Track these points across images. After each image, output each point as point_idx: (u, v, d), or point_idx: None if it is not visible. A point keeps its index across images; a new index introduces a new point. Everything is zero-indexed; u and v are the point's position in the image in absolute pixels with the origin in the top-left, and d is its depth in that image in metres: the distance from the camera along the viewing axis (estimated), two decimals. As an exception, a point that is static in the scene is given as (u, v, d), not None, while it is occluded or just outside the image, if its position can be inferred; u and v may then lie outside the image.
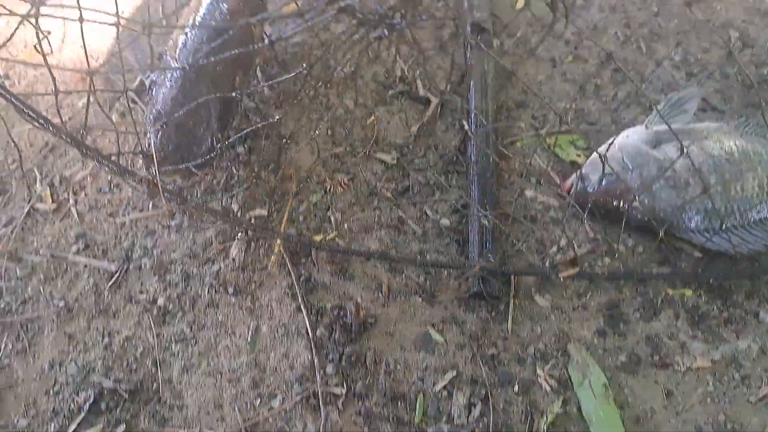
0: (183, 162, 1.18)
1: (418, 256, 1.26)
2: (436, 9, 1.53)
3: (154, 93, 1.28)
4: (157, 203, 1.27)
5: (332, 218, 1.30)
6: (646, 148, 1.31)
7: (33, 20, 0.72)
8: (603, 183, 1.28)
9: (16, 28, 0.78)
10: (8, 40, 0.80)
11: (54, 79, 0.82)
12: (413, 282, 1.23)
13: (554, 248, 1.29)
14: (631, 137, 1.34)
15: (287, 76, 1.06)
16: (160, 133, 1.19)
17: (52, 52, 1.51)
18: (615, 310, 1.22)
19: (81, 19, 0.76)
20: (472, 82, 1.50)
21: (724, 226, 1.25)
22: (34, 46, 0.76)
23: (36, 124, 0.87)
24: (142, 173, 1.28)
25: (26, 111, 0.84)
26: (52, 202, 1.28)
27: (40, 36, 0.75)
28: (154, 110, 1.23)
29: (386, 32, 0.82)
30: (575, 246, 1.28)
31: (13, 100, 0.84)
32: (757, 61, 1.65)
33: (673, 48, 1.66)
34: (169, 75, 1.26)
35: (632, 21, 1.72)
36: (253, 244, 1.25)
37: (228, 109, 1.30)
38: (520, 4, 1.78)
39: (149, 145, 1.16)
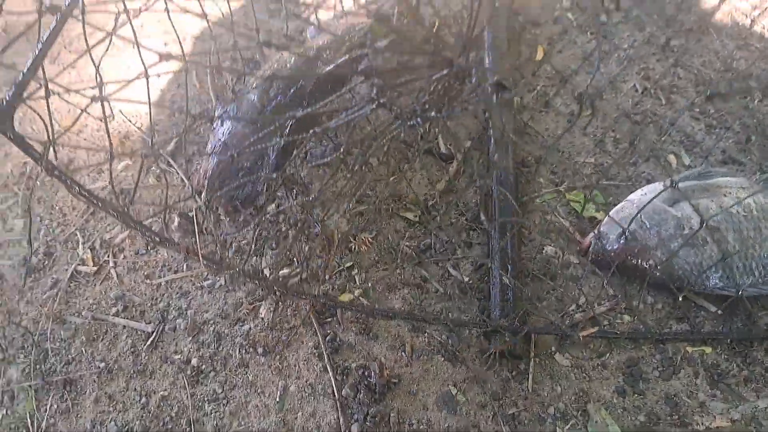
0: (237, 195, 1.28)
1: (441, 315, 1.30)
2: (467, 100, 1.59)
3: (217, 126, 1.38)
4: (192, 264, 1.34)
5: (357, 277, 1.35)
6: (663, 207, 1.33)
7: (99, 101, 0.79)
8: (621, 242, 1.31)
9: (82, 112, 0.85)
10: (73, 124, 0.87)
11: (111, 157, 0.88)
12: (436, 341, 1.27)
13: (574, 306, 1.32)
14: (649, 195, 1.37)
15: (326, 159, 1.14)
16: (220, 164, 1.28)
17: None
18: (634, 369, 1.24)
19: (149, 104, 0.83)
20: (492, 140, 1.54)
21: (742, 283, 1.27)
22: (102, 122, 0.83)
23: (82, 198, 0.93)
24: (179, 234, 1.36)
25: (77, 188, 0.90)
26: (93, 264, 1.36)
27: (107, 116, 0.82)
28: (217, 142, 1.32)
29: (420, 121, 0.87)
30: (595, 305, 1.31)
31: (67, 181, 0.90)
32: (777, 111, 1.66)
33: (692, 99, 1.69)
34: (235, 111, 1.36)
35: (651, 73, 1.75)
36: (281, 303, 1.30)
37: (285, 155, 1.38)
38: (540, 55, 1.82)
39: (206, 173, 1.26)
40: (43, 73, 0.83)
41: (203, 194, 1.32)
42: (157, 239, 1.08)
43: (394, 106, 0.97)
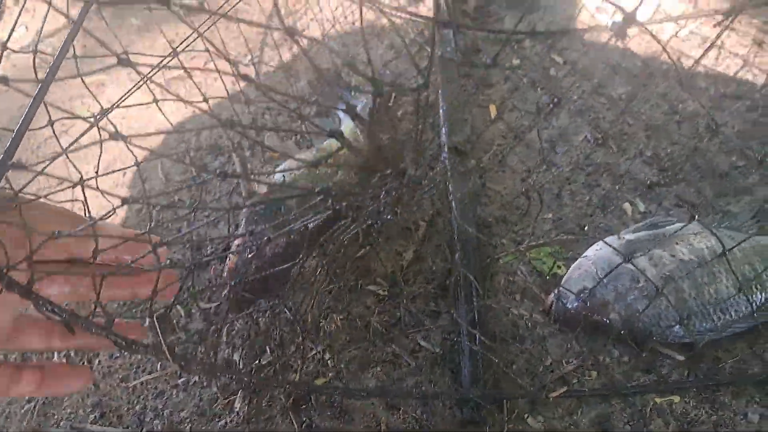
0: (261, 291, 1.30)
1: (412, 390, 1.32)
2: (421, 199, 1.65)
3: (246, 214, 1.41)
4: (165, 363, 1.37)
5: (329, 361, 1.38)
6: (617, 260, 1.37)
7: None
8: (580, 299, 1.34)
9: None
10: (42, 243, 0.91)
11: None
12: (410, 417, 1.29)
13: (542, 367, 1.34)
14: (604, 249, 1.41)
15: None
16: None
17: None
18: (606, 425, 1.26)
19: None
20: (453, 207, 1.59)
21: (701, 329, 1.30)
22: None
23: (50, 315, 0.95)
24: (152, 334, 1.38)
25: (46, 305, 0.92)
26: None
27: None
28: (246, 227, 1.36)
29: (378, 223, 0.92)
30: (563, 363, 1.34)
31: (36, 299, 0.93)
32: (726, 148, 1.71)
33: (643, 144, 1.74)
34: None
35: (601, 122, 1.81)
36: (255, 395, 1.33)
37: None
38: (493, 113, 1.89)
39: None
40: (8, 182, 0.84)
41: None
42: (129, 345, 1.11)
43: (350, 212, 1.04)
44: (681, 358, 1.33)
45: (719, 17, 2.04)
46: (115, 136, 0.87)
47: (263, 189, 1.56)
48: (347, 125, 1.70)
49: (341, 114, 1.79)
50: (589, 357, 1.35)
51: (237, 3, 2.01)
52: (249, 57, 2.16)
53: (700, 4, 2.13)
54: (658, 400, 1.28)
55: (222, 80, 1.34)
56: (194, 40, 1.21)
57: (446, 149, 1.71)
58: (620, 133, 1.78)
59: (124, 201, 0.79)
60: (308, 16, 2.27)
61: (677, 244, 1.38)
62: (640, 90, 1.88)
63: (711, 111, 1.81)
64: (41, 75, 0.95)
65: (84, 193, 0.83)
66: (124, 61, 0.62)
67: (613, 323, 1.32)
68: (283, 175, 1.49)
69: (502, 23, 2.21)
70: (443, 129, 1.77)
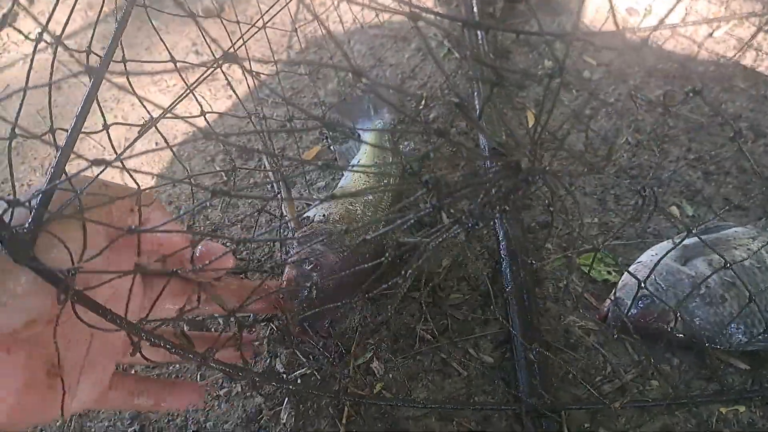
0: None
1: (470, 401, 1.27)
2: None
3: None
4: (205, 374, 1.31)
5: (376, 370, 1.32)
6: (676, 266, 1.32)
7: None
8: (639, 307, 1.29)
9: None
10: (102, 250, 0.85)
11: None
12: (465, 429, 1.24)
13: (599, 377, 1.29)
14: (660, 255, 1.36)
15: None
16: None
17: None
18: (671, 437, 1.21)
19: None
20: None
21: (764, 336, 1.25)
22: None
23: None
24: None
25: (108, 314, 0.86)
26: (106, 383, 1.32)
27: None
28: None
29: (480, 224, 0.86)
30: (622, 372, 1.29)
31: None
32: (772, 150, 1.68)
33: (686, 147, 1.70)
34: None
35: (641, 125, 1.77)
36: (301, 406, 1.27)
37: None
38: (531, 118, 1.84)
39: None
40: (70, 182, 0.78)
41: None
42: (179, 350, 1.05)
43: (452, 210, 0.98)
44: (745, 366, 1.28)
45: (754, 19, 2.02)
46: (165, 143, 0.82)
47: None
48: (371, 137, 1.65)
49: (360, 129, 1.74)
50: (650, 366, 1.30)
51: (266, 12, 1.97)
52: (272, 64, 2.11)
53: (732, 6, 2.10)
54: (723, 410, 1.23)
55: (248, 83, 1.29)
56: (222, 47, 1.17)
57: (486, 150, 1.66)
58: (662, 136, 1.74)
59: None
60: (331, 19, 2.23)
61: (735, 249, 1.34)
62: (679, 92, 1.84)
63: (753, 113, 1.77)
64: (59, 75, 0.90)
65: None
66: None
67: (674, 331, 1.27)
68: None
69: (530, 26, 2.17)
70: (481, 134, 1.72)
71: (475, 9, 2.11)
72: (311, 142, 1.82)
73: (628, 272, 1.07)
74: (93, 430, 1.27)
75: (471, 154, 0.76)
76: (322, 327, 1.26)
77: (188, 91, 1.18)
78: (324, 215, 1.37)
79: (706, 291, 1.27)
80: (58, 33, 0.85)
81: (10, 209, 0.67)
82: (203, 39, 2.22)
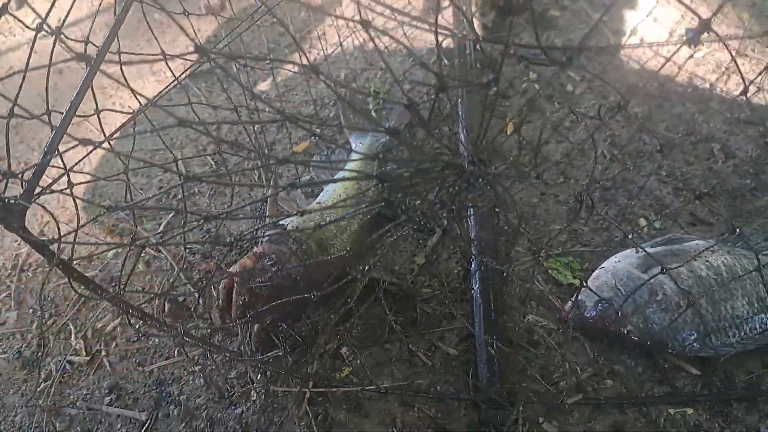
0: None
1: (430, 389, 1.33)
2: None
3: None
4: (183, 350, 1.37)
5: (345, 355, 1.38)
6: (636, 273, 1.39)
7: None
8: (598, 309, 1.36)
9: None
10: (87, 223, 0.92)
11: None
12: (425, 415, 1.30)
13: (557, 374, 1.36)
14: (623, 262, 1.43)
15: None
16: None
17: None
18: (620, 434, 1.28)
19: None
20: (471, 212, 1.61)
21: (717, 344, 1.32)
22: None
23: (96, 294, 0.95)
24: (170, 320, 1.39)
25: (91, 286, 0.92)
26: (86, 354, 1.38)
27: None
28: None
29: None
30: (578, 370, 1.35)
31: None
32: (740, 171, 1.75)
33: (658, 163, 1.77)
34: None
35: (617, 139, 1.84)
36: (271, 386, 1.33)
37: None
38: (510, 129, 1.91)
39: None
40: (62, 160, 0.86)
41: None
42: (155, 324, 1.11)
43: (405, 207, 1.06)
44: (696, 372, 1.35)
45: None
46: (152, 129, 0.89)
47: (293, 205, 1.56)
48: (366, 142, 1.71)
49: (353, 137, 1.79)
50: (605, 366, 1.36)
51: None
52: (268, 61, 2.18)
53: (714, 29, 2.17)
54: (672, 411, 1.30)
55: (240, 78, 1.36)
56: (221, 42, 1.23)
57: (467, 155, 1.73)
58: (636, 151, 1.81)
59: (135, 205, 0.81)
60: (326, 24, 2.30)
61: (695, 260, 1.41)
62: (656, 110, 1.92)
63: (725, 135, 1.85)
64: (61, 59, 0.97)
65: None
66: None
67: (631, 334, 1.34)
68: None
69: (520, 38, 2.24)
70: (462, 136, 1.79)
71: (465, 21, 2.18)
72: (300, 138, 1.89)
73: (585, 285, 1.15)
74: (72, 396, 1.33)
75: (416, 153, 0.82)
76: (263, 321, 1.31)
77: (175, 82, 1.25)
78: (297, 226, 1.41)
79: (663, 298, 1.34)
80: (62, 18, 0.92)
81: (5, 181, 0.74)
82: (205, 33, 2.29)
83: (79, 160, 1.00)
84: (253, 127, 1.72)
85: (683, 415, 1.30)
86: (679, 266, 1.32)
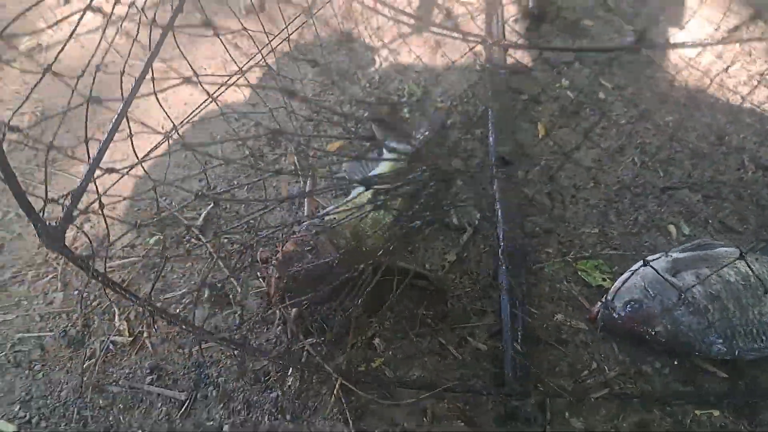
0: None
1: (458, 385, 1.37)
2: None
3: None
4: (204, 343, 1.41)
5: (378, 346, 1.42)
6: (666, 276, 1.42)
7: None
8: (628, 310, 1.38)
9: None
10: (119, 238, 0.97)
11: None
12: (455, 407, 1.34)
13: (586, 372, 1.39)
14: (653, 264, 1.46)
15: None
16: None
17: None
18: (646, 432, 1.30)
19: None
20: (500, 213, 1.64)
21: (744, 348, 1.34)
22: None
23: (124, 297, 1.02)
24: (209, 306, 1.44)
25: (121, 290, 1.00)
26: (129, 335, 1.44)
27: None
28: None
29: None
30: (606, 369, 1.38)
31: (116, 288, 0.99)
32: (770, 182, 1.77)
33: (688, 172, 1.80)
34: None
35: (648, 146, 1.87)
36: (306, 372, 1.37)
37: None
38: (542, 132, 1.94)
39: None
40: (95, 185, 0.96)
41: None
42: (186, 327, 1.16)
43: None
44: (723, 375, 1.37)
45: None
46: (187, 146, 0.96)
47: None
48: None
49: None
50: (632, 366, 1.39)
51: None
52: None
53: (750, 44, 2.20)
54: (698, 412, 1.32)
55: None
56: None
57: (494, 159, 1.77)
58: (666, 159, 1.84)
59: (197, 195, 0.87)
60: (362, 26, 2.35)
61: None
62: (687, 119, 1.94)
63: (756, 146, 1.87)
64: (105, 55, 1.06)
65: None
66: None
67: (658, 335, 1.36)
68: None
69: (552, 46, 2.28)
70: (491, 136, 1.83)
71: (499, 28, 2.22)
72: (334, 137, 1.93)
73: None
74: (114, 374, 1.38)
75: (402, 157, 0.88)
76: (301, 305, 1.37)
77: (210, 100, 1.31)
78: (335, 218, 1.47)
79: (692, 301, 1.36)
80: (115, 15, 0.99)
81: (44, 206, 0.83)
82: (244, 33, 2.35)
83: (110, 186, 1.09)
84: (292, 124, 1.77)
85: (709, 416, 1.32)
86: (710, 274, 1.36)
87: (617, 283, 1.45)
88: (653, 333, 1.37)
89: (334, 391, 1.33)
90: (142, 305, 1.03)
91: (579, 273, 1.56)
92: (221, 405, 1.33)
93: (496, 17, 2.24)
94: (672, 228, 1.66)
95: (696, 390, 1.35)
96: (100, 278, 0.93)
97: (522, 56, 2.17)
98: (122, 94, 1.12)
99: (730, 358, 1.35)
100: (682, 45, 1.65)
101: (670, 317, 1.36)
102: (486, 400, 1.35)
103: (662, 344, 1.37)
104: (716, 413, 1.32)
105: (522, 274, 1.53)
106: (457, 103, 2.00)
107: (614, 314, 1.40)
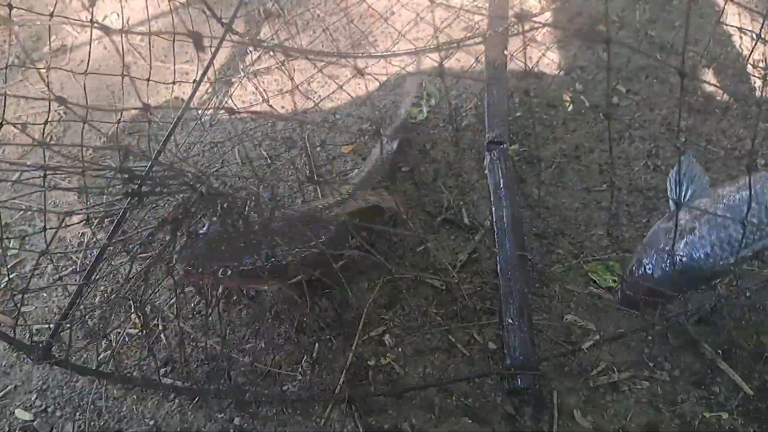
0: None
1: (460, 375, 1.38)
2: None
3: None
4: (235, 330, 1.44)
5: (387, 342, 1.44)
6: (656, 227, 1.43)
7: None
8: (630, 275, 1.38)
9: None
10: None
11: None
12: (462, 403, 1.35)
13: (594, 371, 1.39)
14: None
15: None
16: None
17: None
18: (654, 433, 1.31)
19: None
20: (492, 212, 1.66)
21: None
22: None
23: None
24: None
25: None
26: (144, 328, 1.47)
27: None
28: None
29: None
30: (615, 370, 1.39)
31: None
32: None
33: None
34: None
35: (661, 151, 1.87)
36: (317, 366, 1.39)
37: None
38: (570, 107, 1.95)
39: None
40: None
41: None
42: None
43: None
44: (750, 392, 1.35)
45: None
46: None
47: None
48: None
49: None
50: (645, 367, 1.39)
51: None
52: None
53: None
54: (707, 414, 1.32)
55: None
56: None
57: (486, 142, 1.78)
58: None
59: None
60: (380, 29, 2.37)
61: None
62: (701, 124, 1.94)
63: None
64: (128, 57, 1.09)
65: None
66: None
67: (662, 285, 1.31)
68: None
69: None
70: (486, 119, 1.85)
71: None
72: (347, 139, 1.94)
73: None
74: (129, 366, 1.41)
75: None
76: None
77: (239, 82, 1.34)
78: None
79: (679, 231, 1.33)
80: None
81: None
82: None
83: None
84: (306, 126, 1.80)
85: (718, 419, 1.32)
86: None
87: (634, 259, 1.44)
88: (656, 280, 1.32)
89: (344, 386, 1.36)
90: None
91: (590, 274, 1.57)
92: (233, 397, 1.35)
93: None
94: (684, 231, 1.66)
95: (706, 393, 1.35)
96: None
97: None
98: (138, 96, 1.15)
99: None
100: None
101: (663, 257, 1.33)
102: (494, 397, 1.36)
103: (680, 287, 1.33)
104: (725, 416, 1.32)
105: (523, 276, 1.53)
106: (471, 105, 2.02)
107: (626, 287, 1.39)
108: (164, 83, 1.59)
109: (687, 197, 1.44)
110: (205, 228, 1.28)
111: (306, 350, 1.41)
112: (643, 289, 1.35)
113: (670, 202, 1.47)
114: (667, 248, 1.32)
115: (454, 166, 1.85)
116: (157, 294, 1.53)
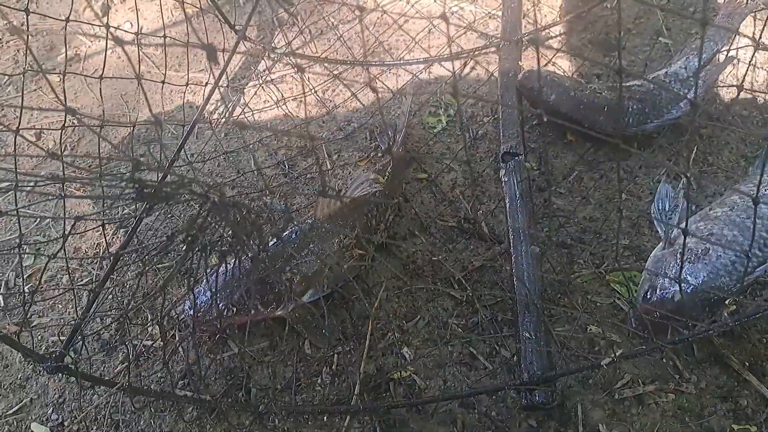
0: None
1: (478, 388, 1.36)
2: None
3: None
4: (253, 340, 1.42)
5: (407, 355, 1.42)
6: (659, 253, 1.45)
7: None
8: (641, 300, 1.39)
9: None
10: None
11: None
12: (485, 417, 1.32)
13: (618, 383, 1.37)
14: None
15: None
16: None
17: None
18: (682, 447, 1.28)
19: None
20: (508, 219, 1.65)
21: None
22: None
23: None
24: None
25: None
26: (162, 340, 1.45)
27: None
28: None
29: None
30: (641, 383, 1.36)
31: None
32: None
33: (722, 185, 1.77)
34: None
35: (681, 159, 1.85)
36: (336, 378, 1.37)
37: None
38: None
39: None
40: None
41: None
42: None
43: None
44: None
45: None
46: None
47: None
48: None
49: None
50: (671, 380, 1.36)
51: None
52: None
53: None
54: (735, 427, 1.29)
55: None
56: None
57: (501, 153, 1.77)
58: (700, 172, 1.81)
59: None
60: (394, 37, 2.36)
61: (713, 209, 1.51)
62: (720, 132, 1.92)
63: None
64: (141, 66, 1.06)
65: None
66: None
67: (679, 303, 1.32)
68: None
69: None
70: (501, 129, 1.85)
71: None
72: (363, 150, 1.92)
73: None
74: (146, 378, 1.39)
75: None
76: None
77: (259, 84, 1.33)
78: None
79: (689, 255, 1.36)
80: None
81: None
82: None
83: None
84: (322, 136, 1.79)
85: (746, 431, 1.29)
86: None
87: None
88: (674, 301, 1.33)
89: (364, 399, 1.33)
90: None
91: (611, 285, 1.54)
92: (251, 408, 1.33)
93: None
94: (706, 241, 1.64)
95: (733, 406, 1.32)
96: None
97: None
98: (152, 104, 1.13)
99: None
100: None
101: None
102: (517, 412, 1.34)
103: (687, 311, 1.32)
104: (753, 429, 1.29)
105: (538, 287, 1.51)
106: (488, 115, 2.00)
107: (639, 313, 1.38)
108: (177, 85, 1.58)
109: (676, 221, 1.50)
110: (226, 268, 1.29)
111: (326, 362, 1.39)
112: (659, 313, 1.34)
113: (660, 231, 1.52)
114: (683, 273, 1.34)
115: (470, 175, 1.83)
116: (175, 306, 1.51)
